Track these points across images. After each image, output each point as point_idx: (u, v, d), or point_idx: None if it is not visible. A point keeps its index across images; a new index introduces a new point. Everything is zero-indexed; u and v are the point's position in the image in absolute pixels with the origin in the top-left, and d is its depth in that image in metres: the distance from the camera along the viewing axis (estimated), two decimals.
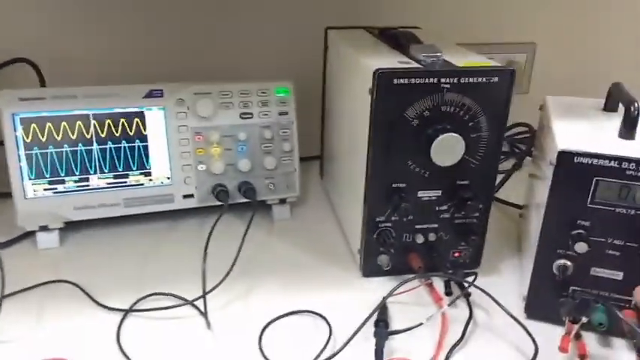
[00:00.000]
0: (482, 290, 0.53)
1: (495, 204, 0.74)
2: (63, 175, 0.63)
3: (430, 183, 0.57)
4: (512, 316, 0.51)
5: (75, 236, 0.67)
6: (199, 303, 0.55)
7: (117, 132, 0.64)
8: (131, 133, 0.64)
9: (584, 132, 0.53)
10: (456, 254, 0.61)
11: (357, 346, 0.48)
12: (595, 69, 0.97)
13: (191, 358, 0.50)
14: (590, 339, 0.51)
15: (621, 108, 0.52)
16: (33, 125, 0.61)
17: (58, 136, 0.62)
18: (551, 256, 0.52)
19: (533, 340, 0.50)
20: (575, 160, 0.48)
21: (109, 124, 0.63)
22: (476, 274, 0.56)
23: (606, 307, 0.51)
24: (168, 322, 0.53)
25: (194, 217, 0.71)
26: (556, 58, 0.96)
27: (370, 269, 0.60)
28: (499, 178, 0.65)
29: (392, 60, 0.56)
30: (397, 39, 0.64)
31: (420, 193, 0.57)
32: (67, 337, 0.51)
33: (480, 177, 0.57)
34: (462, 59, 0.56)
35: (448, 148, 0.52)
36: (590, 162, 0.48)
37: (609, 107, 0.59)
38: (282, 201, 0.72)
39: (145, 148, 0.65)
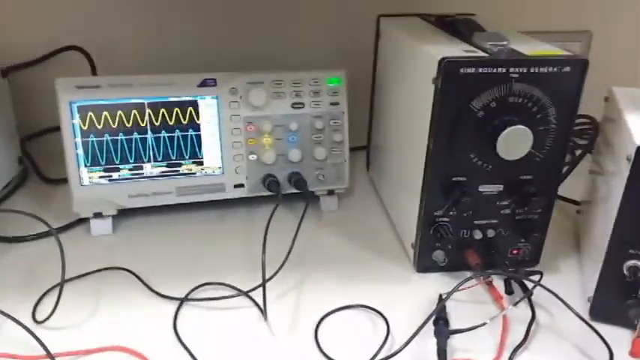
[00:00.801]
0: (549, 290, 0.51)
1: None
2: (117, 162, 0.63)
3: (492, 177, 0.55)
4: (582, 319, 0.49)
5: (127, 223, 0.67)
6: (253, 294, 0.54)
7: (171, 120, 0.63)
8: (184, 122, 0.64)
9: None
10: (515, 251, 0.59)
11: (414, 343, 0.47)
12: None
13: (249, 349, 0.49)
14: None
15: None
16: (90, 113, 0.61)
17: (113, 124, 0.62)
18: (622, 256, 0.49)
19: (607, 345, 0.48)
20: None
21: (163, 112, 0.63)
22: (541, 273, 0.54)
23: None
24: (223, 313, 0.53)
25: (242, 206, 0.71)
26: (613, 47, 0.92)
27: (424, 265, 0.59)
28: None
29: (456, 48, 0.54)
30: (456, 26, 0.61)
31: (481, 188, 0.55)
32: (124, 324, 0.52)
33: (545, 172, 0.55)
34: (529, 48, 0.53)
35: (515, 142, 0.50)
36: None
37: None
38: (331, 192, 0.71)
39: (198, 137, 0.65)
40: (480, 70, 0.50)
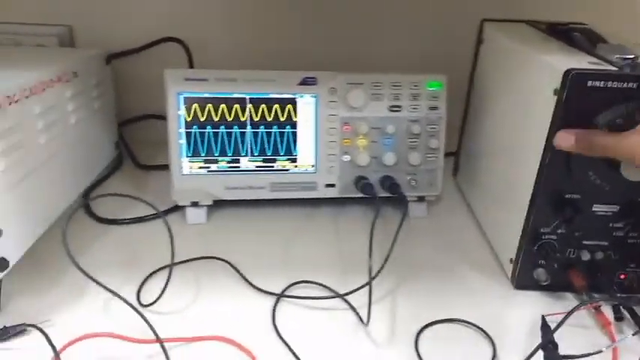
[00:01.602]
0: None
1: None
2: (217, 155, 0.64)
3: (609, 197, 0.52)
4: None
5: (219, 214, 0.69)
6: (349, 297, 0.54)
7: (269, 117, 0.64)
8: (282, 119, 0.64)
9: None
10: (622, 276, 0.56)
11: None
12: None
13: (349, 353, 0.49)
14: None
15: None
16: (195, 105, 0.62)
17: (216, 117, 0.63)
18: None
19: None
20: None
21: (263, 108, 0.64)
22: None
23: None
24: (320, 312, 0.53)
25: (330, 206, 0.71)
26: None
27: (524, 282, 0.57)
28: None
29: (580, 60, 0.51)
30: (572, 36, 0.59)
31: (595, 207, 0.52)
32: (225, 314, 0.52)
33: None
34: None
35: None
36: None
37: None
38: (421, 198, 0.70)
39: (294, 134, 0.65)
40: (610, 84, 0.47)
